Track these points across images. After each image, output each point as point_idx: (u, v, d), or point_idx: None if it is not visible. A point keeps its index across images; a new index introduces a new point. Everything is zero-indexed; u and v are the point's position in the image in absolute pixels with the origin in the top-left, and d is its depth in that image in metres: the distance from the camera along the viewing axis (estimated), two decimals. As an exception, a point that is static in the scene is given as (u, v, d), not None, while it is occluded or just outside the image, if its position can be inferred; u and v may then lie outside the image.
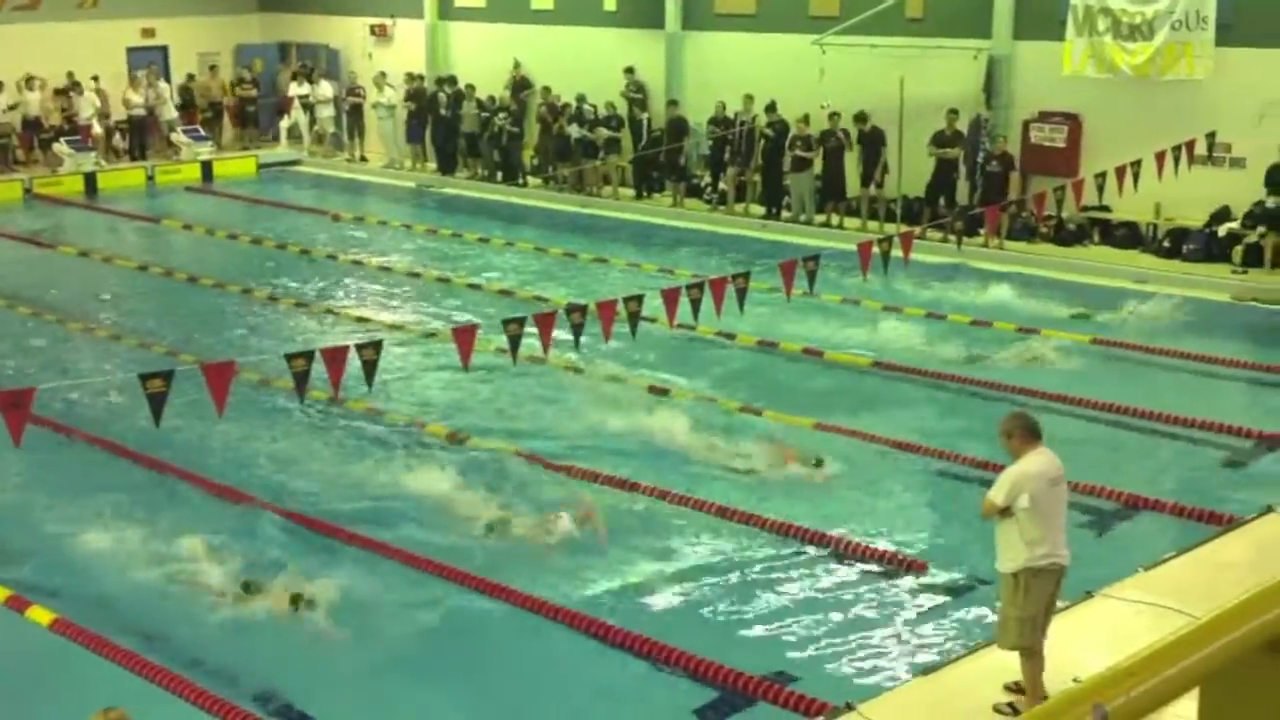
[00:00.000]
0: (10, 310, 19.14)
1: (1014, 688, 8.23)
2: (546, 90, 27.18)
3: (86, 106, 29.42)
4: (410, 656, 9.66)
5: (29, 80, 29.10)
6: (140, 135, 30.04)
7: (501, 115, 27.39)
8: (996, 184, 21.41)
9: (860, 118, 22.49)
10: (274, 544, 11.32)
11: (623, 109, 26.27)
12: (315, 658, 9.59)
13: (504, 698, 9.15)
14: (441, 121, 28.44)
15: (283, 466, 13.16)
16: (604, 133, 25.97)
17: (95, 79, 29.59)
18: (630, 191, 26.17)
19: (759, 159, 24.00)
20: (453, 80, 28.75)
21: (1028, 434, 7.99)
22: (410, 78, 29.40)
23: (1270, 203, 19.31)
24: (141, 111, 29.93)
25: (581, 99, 26.41)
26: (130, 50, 31.49)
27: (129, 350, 17.06)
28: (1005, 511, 7.89)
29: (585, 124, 26.19)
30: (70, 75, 29.44)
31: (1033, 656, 8.05)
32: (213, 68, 32.02)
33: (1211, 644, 4.10)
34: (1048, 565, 7.92)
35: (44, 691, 9.30)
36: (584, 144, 26.16)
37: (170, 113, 30.32)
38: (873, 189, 22.76)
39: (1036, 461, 7.94)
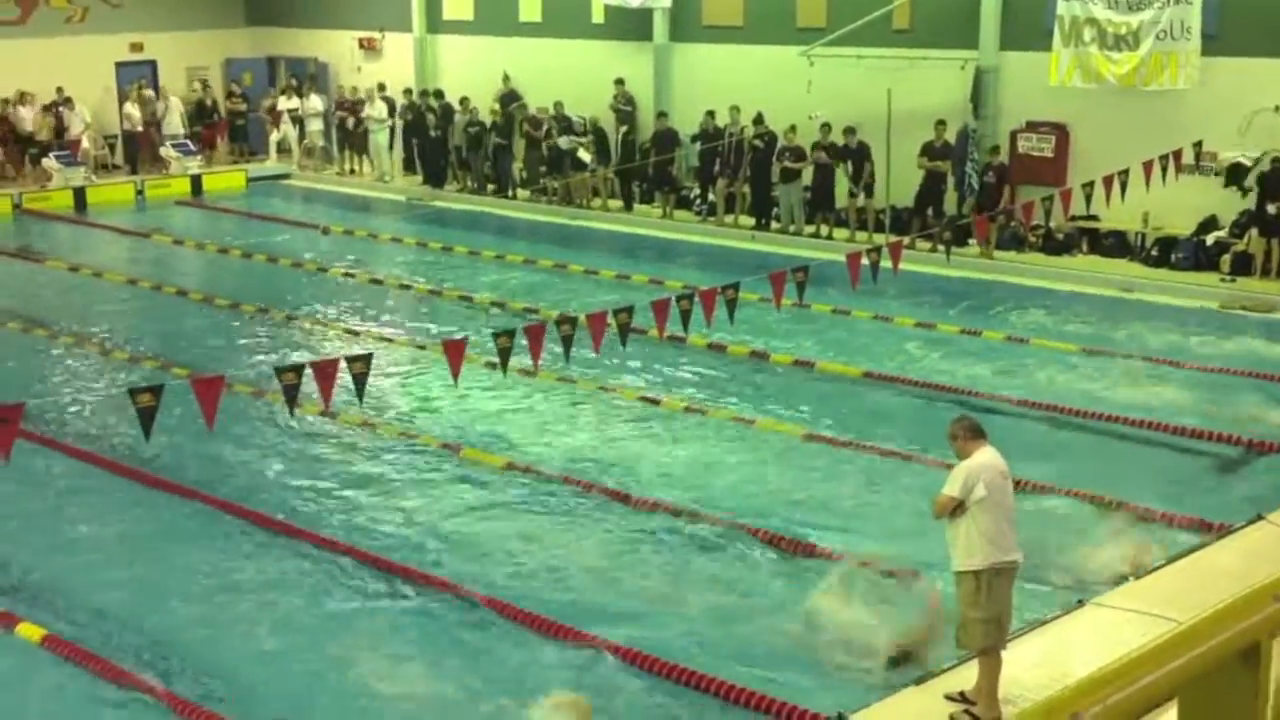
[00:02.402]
0: (0, 326, 19.12)
1: (958, 698, 8.23)
2: (523, 106, 27.27)
3: (76, 121, 29.42)
4: None
5: (21, 96, 29.13)
6: (136, 149, 30.03)
7: (491, 128, 27.45)
8: (991, 195, 21.48)
9: (849, 131, 22.54)
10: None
11: (609, 121, 26.30)
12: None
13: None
14: (429, 135, 28.45)
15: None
16: (580, 144, 25.96)
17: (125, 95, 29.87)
18: (620, 203, 26.25)
19: (747, 170, 24.06)
20: (439, 94, 28.78)
21: (972, 433, 8.17)
22: (408, 93, 29.43)
23: (1271, 209, 19.31)
24: (140, 126, 29.95)
25: (559, 106, 26.44)
26: (119, 65, 31.51)
27: (121, 365, 17.07)
28: (959, 509, 7.95)
29: (575, 136, 26.22)
30: (59, 90, 29.46)
31: (994, 659, 8.07)
32: (204, 82, 32.05)
33: (1187, 652, 4.11)
34: (1007, 562, 7.98)
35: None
36: (573, 156, 26.18)
37: (175, 126, 30.32)
38: (860, 199, 22.81)
39: (985, 455, 8.06)
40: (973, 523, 7.92)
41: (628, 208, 25.98)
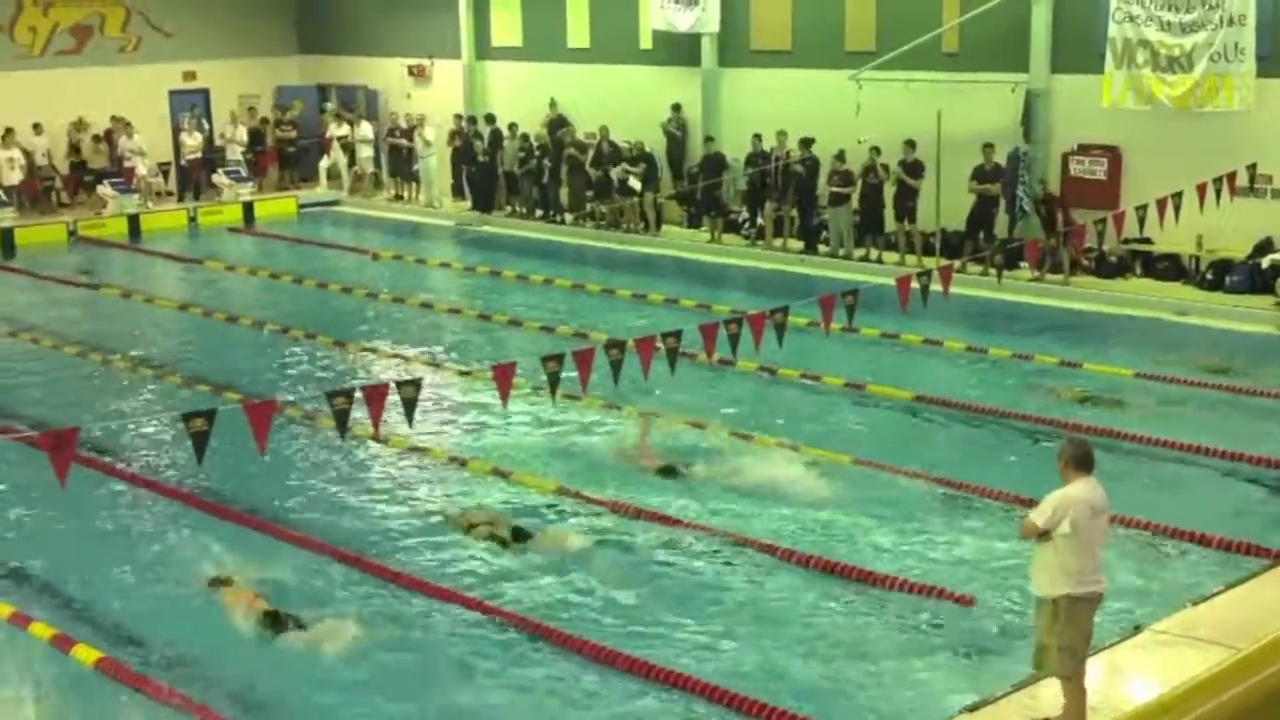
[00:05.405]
0: (56, 350, 19.33)
1: None
2: (571, 131, 27.40)
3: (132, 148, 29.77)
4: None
5: (78, 124, 29.58)
6: (193, 177, 30.37)
7: (539, 153, 27.57)
8: (1045, 223, 21.25)
9: (909, 144, 22.33)
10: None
11: (657, 145, 26.32)
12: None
13: None
14: (478, 161, 28.61)
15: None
16: (632, 173, 26.00)
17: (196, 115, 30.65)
18: (671, 228, 26.35)
19: (794, 194, 24.01)
20: (490, 118, 28.95)
21: (1075, 462, 8.06)
22: (457, 118, 29.59)
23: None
24: (198, 155, 30.28)
25: (605, 131, 26.50)
26: (172, 93, 31.93)
27: (178, 389, 17.23)
28: (1044, 535, 7.89)
29: (623, 163, 26.25)
30: (114, 118, 29.85)
31: (1077, 685, 7.98)
32: (251, 109, 32.38)
33: (1246, 680, 4.04)
34: (1086, 594, 7.90)
35: None
36: (623, 183, 26.22)
37: (236, 153, 30.66)
38: (905, 224, 22.67)
39: (1081, 489, 7.95)
40: (1056, 553, 7.87)
41: (654, 229, 26.11)
